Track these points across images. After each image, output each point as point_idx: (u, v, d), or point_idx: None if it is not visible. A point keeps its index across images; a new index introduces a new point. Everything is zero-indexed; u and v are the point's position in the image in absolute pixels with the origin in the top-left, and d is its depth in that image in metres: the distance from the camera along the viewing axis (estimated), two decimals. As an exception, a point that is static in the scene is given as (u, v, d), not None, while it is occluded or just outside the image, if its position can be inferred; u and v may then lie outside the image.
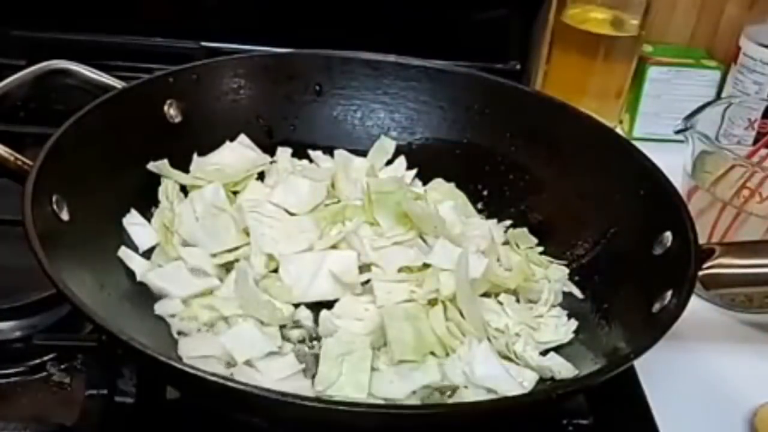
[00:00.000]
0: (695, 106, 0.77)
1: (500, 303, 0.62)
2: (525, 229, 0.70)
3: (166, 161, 0.67)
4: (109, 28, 0.96)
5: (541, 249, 0.69)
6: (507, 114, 0.74)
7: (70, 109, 0.61)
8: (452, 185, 0.73)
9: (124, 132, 0.65)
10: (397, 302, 0.59)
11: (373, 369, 0.54)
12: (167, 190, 0.66)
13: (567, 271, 0.66)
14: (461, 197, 0.72)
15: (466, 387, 0.55)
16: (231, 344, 0.56)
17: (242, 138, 0.72)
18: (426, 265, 0.61)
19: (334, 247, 0.63)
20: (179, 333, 0.59)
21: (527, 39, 1.00)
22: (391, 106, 0.77)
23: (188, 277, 0.61)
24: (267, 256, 0.62)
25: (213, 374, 0.44)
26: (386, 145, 0.76)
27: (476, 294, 0.60)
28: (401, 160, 0.75)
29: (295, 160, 0.74)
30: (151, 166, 0.67)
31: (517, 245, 0.69)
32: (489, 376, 0.55)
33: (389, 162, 0.75)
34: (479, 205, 0.73)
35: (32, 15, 0.94)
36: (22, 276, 0.58)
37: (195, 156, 0.70)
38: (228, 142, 0.71)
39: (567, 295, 0.65)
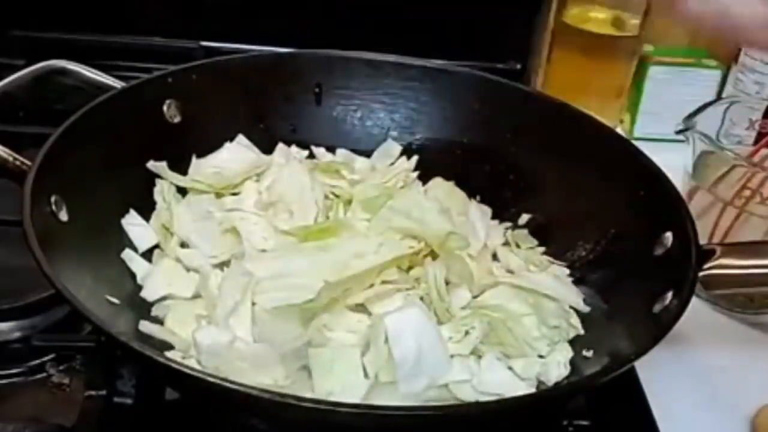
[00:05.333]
0: (696, 106, 0.77)
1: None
2: (525, 230, 0.70)
3: (164, 164, 0.67)
4: (109, 28, 0.96)
5: (542, 249, 0.69)
6: (507, 114, 0.73)
7: (69, 109, 0.61)
8: (452, 184, 0.72)
9: (123, 132, 0.65)
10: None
11: (376, 381, 0.54)
12: (163, 191, 0.66)
13: (567, 271, 0.66)
14: (461, 196, 0.72)
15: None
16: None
17: (240, 138, 0.72)
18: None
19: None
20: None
21: (527, 39, 1.00)
22: (391, 106, 0.76)
23: (187, 278, 0.61)
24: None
25: (212, 375, 0.44)
26: (390, 149, 0.76)
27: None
28: (403, 160, 0.75)
29: (293, 151, 0.73)
30: (151, 165, 0.66)
31: (518, 245, 0.69)
32: (492, 379, 0.55)
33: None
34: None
35: (32, 15, 0.94)
36: (22, 276, 0.58)
37: (194, 158, 0.69)
38: (227, 143, 0.71)
39: (567, 296, 0.65)
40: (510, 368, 0.57)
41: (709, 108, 0.77)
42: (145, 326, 0.56)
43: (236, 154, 0.71)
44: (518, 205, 0.72)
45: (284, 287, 0.57)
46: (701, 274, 0.55)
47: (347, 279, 0.57)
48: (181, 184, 0.67)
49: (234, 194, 0.68)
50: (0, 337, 0.62)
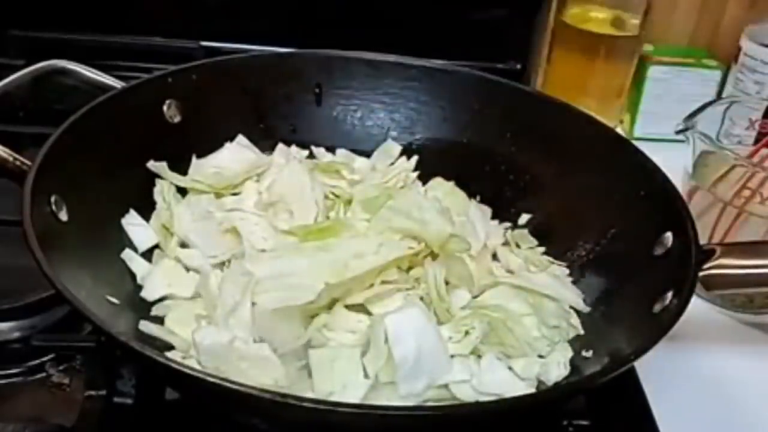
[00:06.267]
0: (696, 106, 0.77)
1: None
2: (525, 230, 0.70)
3: (165, 164, 0.67)
4: (109, 28, 0.96)
5: (542, 249, 0.69)
6: (507, 114, 0.73)
7: (69, 109, 0.61)
8: (452, 184, 0.72)
9: (123, 132, 0.65)
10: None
11: (376, 381, 0.54)
12: (163, 191, 0.66)
13: (567, 271, 0.66)
14: (461, 196, 0.72)
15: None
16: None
17: (240, 138, 0.72)
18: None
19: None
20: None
21: (527, 39, 1.00)
22: (391, 106, 0.76)
23: (187, 278, 0.61)
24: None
25: (212, 375, 0.44)
26: (390, 149, 0.76)
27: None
28: (403, 160, 0.75)
29: (293, 151, 0.73)
30: (151, 165, 0.66)
31: (518, 245, 0.69)
32: (492, 379, 0.55)
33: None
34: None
35: (31, 15, 0.94)
36: (21, 276, 0.58)
37: (194, 158, 0.69)
38: (227, 144, 0.71)
39: (567, 296, 0.65)
40: (510, 368, 0.57)
41: (709, 108, 0.77)
42: (145, 326, 0.56)
43: (236, 154, 0.71)
44: (518, 205, 0.72)
45: (284, 287, 0.57)
46: (701, 274, 0.55)
47: (347, 280, 0.57)
48: (181, 184, 0.67)
49: (234, 194, 0.68)
50: (0, 337, 0.62)
